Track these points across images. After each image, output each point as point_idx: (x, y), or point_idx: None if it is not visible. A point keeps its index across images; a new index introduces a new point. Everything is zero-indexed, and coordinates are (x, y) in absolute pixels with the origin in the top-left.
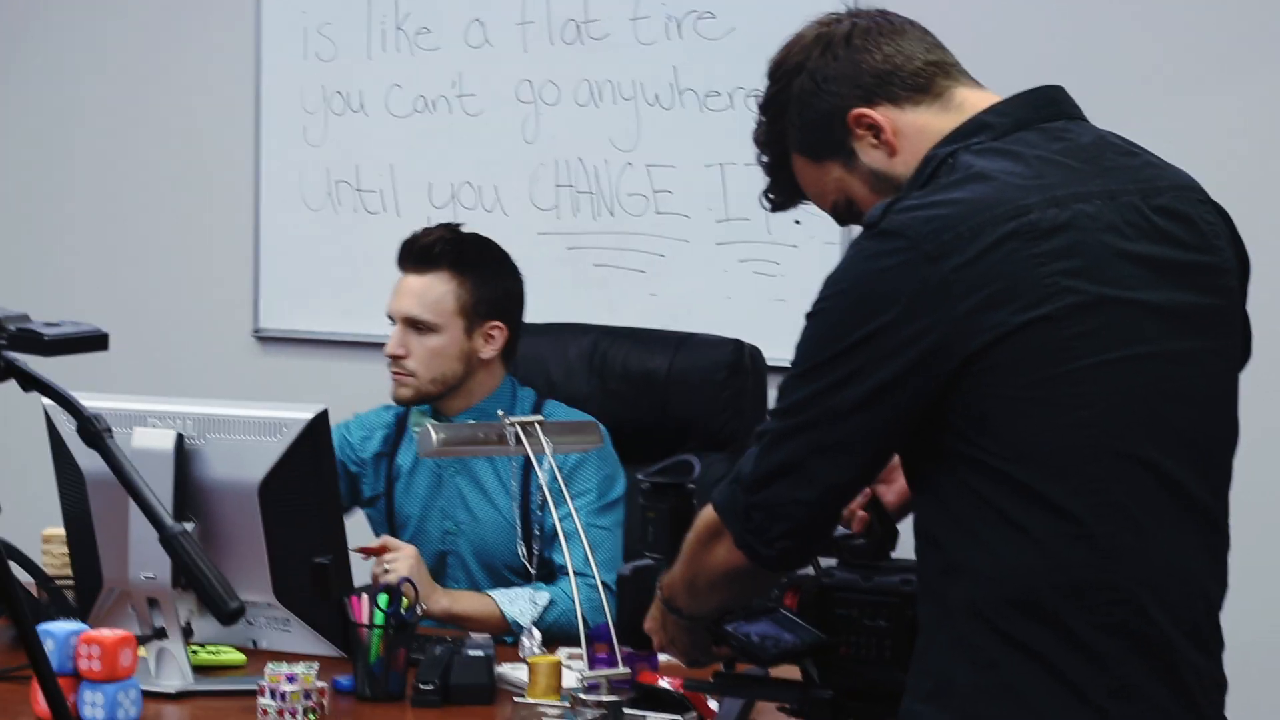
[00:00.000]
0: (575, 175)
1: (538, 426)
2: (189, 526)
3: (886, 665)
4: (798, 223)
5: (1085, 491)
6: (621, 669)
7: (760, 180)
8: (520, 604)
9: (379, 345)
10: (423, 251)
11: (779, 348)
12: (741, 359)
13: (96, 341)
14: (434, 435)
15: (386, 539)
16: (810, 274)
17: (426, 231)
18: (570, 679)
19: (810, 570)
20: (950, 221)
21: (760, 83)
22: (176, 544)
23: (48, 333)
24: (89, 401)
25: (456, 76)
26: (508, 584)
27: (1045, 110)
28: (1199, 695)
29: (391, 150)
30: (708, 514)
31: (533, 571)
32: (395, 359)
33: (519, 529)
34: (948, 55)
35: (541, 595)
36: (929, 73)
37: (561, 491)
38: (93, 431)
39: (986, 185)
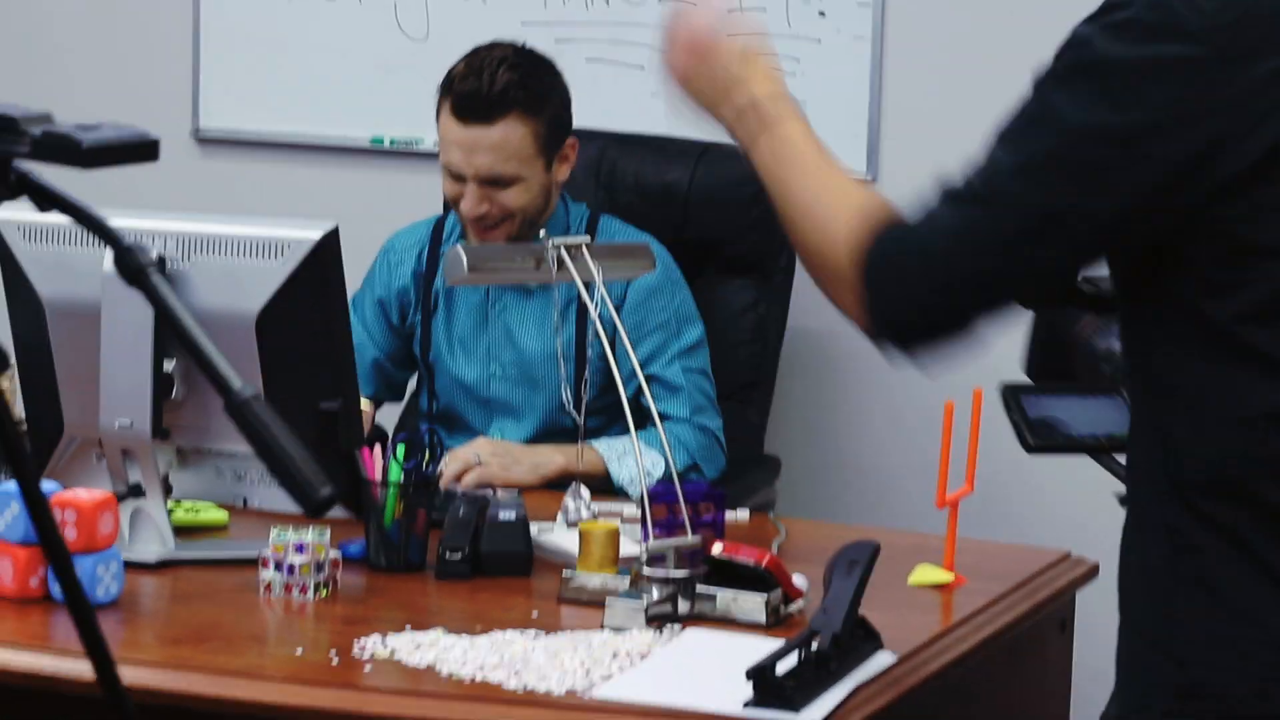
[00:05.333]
0: None
1: (585, 250)
2: (170, 365)
3: None
4: (822, 14)
5: None
6: (691, 537)
7: None
8: (629, 467)
9: (333, 150)
10: (494, 101)
11: None
12: None
13: (145, 150)
14: (464, 259)
15: (449, 457)
16: (836, 73)
17: (481, 70)
18: (628, 547)
19: None
20: (1253, 11)
21: None
22: (248, 414)
23: (85, 138)
24: (34, 216)
25: None
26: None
27: None
28: None
29: None
30: None
31: (579, 421)
32: (478, 219)
33: (570, 369)
34: None
35: (655, 460)
36: None
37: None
38: (135, 266)
39: None
